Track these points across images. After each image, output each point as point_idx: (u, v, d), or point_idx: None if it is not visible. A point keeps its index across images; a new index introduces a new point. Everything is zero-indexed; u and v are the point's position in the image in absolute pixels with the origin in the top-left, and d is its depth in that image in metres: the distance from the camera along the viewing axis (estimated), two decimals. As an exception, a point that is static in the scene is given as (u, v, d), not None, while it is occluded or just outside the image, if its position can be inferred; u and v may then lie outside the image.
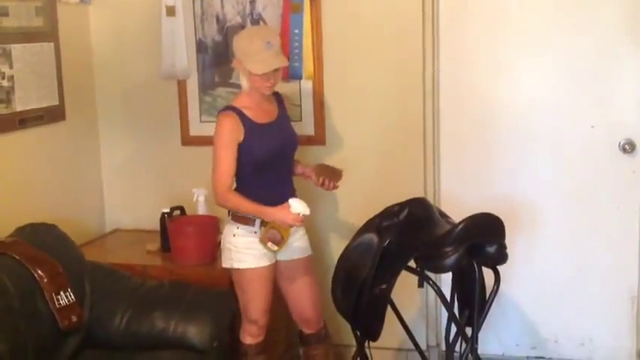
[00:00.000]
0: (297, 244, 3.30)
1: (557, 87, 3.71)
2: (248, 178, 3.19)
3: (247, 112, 3.17)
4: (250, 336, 3.32)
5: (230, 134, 3.13)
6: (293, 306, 3.41)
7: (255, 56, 3.08)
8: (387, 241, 3.07)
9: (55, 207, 3.79)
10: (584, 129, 3.69)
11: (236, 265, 3.22)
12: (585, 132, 3.69)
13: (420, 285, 3.11)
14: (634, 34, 3.58)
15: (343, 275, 3.14)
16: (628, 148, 3.65)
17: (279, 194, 3.15)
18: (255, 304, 3.26)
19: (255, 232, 3.17)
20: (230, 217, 3.25)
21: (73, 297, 3.09)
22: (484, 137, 3.81)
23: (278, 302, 3.43)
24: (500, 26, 3.72)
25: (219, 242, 3.69)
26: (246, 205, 3.12)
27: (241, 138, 3.14)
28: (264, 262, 3.21)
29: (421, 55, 3.74)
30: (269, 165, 3.18)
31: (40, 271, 3.02)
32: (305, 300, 3.36)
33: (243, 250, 3.19)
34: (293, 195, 3.23)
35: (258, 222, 3.16)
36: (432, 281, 3.10)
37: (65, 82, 3.87)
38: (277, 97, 3.35)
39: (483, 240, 3.00)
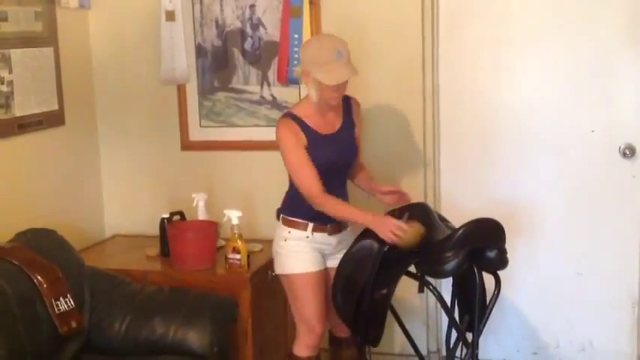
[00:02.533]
0: (344, 249, 3.26)
1: (558, 91, 3.71)
2: None
3: (309, 122, 3.11)
4: (307, 347, 3.23)
5: (294, 137, 3.07)
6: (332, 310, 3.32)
7: (326, 66, 2.99)
8: (387, 247, 3.06)
9: (55, 212, 3.79)
10: (584, 133, 3.69)
11: (288, 271, 3.18)
12: (585, 136, 3.69)
13: (421, 290, 3.10)
14: (635, 39, 3.58)
15: (343, 281, 3.14)
16: (628, 152, 3.65)
17: None
18: (310, 310, 3.19)
19: (307, 237, 3.15)
20: (280, 220, 3.21)
21: (72, 302, 3.08)
22: (484, 141, 3.81)
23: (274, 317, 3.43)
24: (500, 30, 3.72)
25: (219, 247, 3.71)
26: (349, 211, 3.10)
27: (305, 144, 3.09)
28: (315, 268, 3.17)
29: (421, 59, 3.74)
30: (323, 175, 3.10)
31: (39, 277, 3.02)
32: None
33: (296, 255, 3.16)
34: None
35: (311, 226, 3.15)
36: (433, 286, 3.09)
37: (64, 87, 3.86)
38: (346, 102, 3.25)
39: (484, 245, 3.00)
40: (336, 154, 3.17)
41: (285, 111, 3.26)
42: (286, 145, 3.09)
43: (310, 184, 3.06)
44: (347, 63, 3.02)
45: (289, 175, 3.17)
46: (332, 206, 3.08)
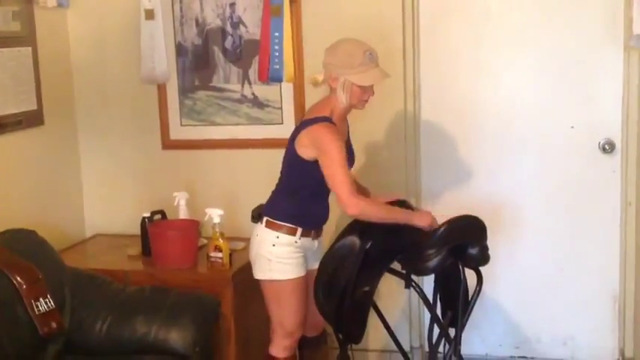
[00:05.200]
0: (319, 252, 3.24)
1: (538, 88, 3.73)
2: (306, 192, 3.09)
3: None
4: (285, 349, 3.21)
5: (342, 143, 2.96)
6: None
7: (359, 67, 2.96)
8: (369, 244, 3.06)
9: (35, 212, 3.76)
10: (564, 129, 3.71)
11: (277, 277, 3.09)
12: (565, 132, 3.71)
13: (407, 286, 3.10)
14: (614, 35, 3.60)
15: (325, 278, 3.14)
16: (608, 148, 3.67)
17: (323, 208, 3.14)
18: (294, 316, 3.15)
19: (296, 242, 3.09)
20: (264, 224, 3.12)
21: (52, 303, 3.06)
22: (465, 138, 3.82)
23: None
24: (481, 28, 3.73)
25: (201, 246, 3.69)
26: (389, 211, 3.04)
27: None
28: (303, 272, 3.13)
29: (402, 57, 3.74)
30: (325, 186, 3.04)
31: (18, 278, 2.99)
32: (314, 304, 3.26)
33: (285, 260, 3.08)
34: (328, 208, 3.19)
35: (300, 231, 3.08)
36: (415, 283, 3.10)
37: (43, 87, 3.84)
38: None
39: (465, 242, 3.01)
40: (348, 163, 3.13)
41: (317, 115, 3.04)
42: (337, 150, 2.92)
43: (350, 188, 2.92)
44: (377, 65, 3.01)
45: (289, 178, 3.11)
46: (372, 210, 2.98)
